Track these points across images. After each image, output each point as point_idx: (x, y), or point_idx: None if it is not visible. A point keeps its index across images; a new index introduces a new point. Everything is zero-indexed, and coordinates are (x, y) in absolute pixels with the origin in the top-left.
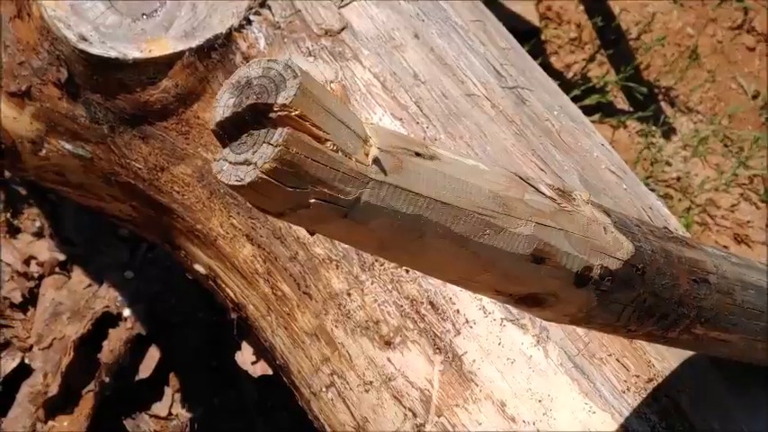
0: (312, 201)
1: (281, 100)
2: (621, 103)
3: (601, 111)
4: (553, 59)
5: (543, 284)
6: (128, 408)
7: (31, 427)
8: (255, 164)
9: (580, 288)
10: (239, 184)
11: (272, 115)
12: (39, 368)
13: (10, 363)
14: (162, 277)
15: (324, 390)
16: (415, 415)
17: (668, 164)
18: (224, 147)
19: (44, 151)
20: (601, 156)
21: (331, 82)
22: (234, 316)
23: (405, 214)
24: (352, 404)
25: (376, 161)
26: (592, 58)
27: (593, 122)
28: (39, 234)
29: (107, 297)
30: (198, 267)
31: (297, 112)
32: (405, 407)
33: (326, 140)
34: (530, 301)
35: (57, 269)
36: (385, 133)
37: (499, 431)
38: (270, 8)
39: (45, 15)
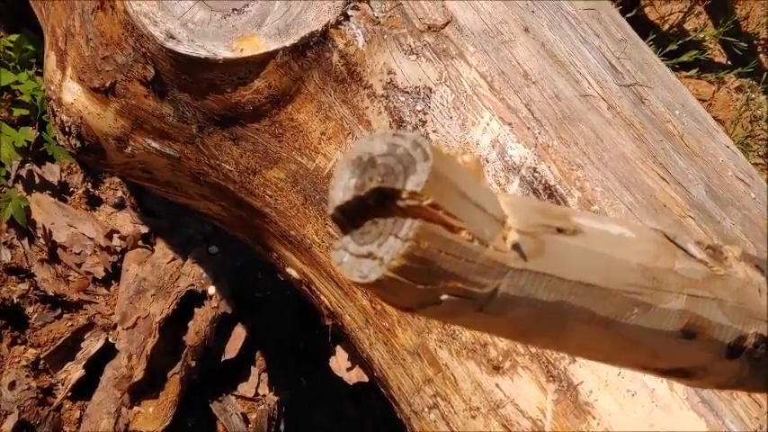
0: (444, 297)
1: (410, 186)
2: (720, 56)
3: (698, 66)
4: (648, 10)
5: (692, 359)
6: (213, 389)
7: (116, 413)
8: (382, 259)
9: (732, 360)
10: (363, 281)
11: (401, 203)
12: (123, 349)
13: (94, 344)
14: (246, 251)
15: (426, 410)
16: None
17: None
18: (344, 233)
19: (129, 149)
20: (726, 160)
21: (463, 154)
22: (329, 323)
23: (545, 302)
24: (457, 428)
25: (515, 247)
26: (689, 10)
27: (689, 78)
28: (120, 205)
29: (191, 274)
30: (291, 272)
31: (429, 201)
32: None
33: (461, 229)
34: (676, 374)
35: (140, 242)
36: (523, 209)
37: None
38: (368, 1)
39: (130, 10)
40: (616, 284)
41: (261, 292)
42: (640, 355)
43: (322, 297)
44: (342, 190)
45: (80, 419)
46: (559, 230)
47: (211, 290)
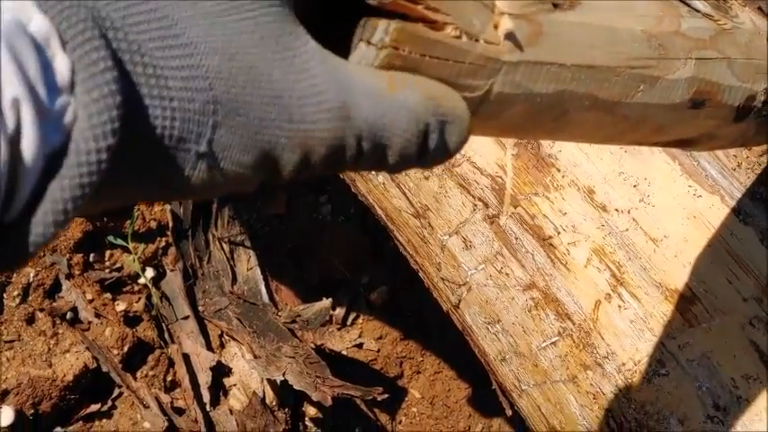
0: None
1: None
2: None
3: None
4: None
5: (699, 128)
6: None
7: None
8: None
9: (739, 122)
10: None
11: (371, 1)
12: None
13: None
14: None
15: (371, 173)
16: (486, 205)
17: None
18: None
19: None
20: None
21: None
22: None
23: (545, 95)
24: (409, 191)
25: (509, 36)
26: None
27: None
28: None
29: None
30: None
31: None
32: (473, 196)
33: (445, 24)
34: (678, 144)
35: None
36: None
37: (588, 221)
38: None
39: None
40: (621, 60)
41: None
42: (643, 133)
43: None
44: None
45: None
46: (555, 5)
47: None
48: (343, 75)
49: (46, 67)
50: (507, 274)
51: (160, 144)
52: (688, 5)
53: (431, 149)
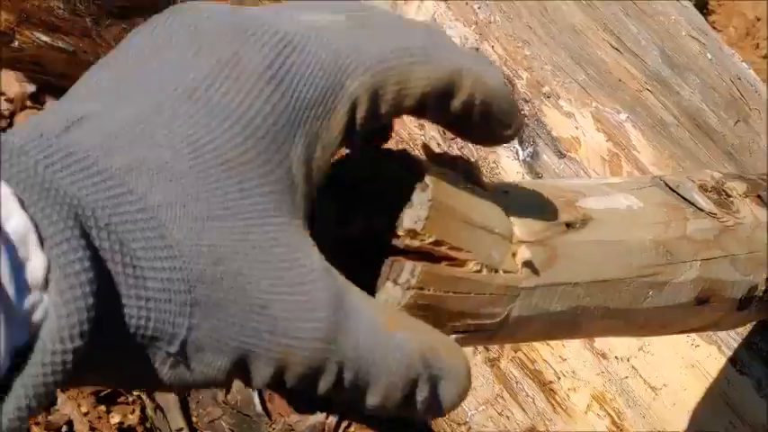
0: (452, 337)
1: (408, 223)
2: None
3: None
4: None
5: (703, 320)
6: None
7: None
8: None
9: (741, 311)
10: None
11: (398, 243)
12: None
13: None
14: None
15: None
16: (487, 349)
17: None
18: None
19: (16, 43)
20: (678, 17)
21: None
22: None
23: (559, 312)
24: None
25: (527, 264)
26: None
27: None
28: None
29: None
30: None
31: (431, 240)
32: None
33: (467, 261)
34: (682, 332)
35: (28, 102)
36: (527, 209)
37: (588, 367)
38: None
39: None
40: (632, 271)
41: None
42: (649, 330)
43: None
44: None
45: None
46: (568, 225)
47: None
48: (341, 296)
49: (17, 267)
50: (508, 417)
51: (132, 342)
52: (693, 205)
53: (418, 402)
